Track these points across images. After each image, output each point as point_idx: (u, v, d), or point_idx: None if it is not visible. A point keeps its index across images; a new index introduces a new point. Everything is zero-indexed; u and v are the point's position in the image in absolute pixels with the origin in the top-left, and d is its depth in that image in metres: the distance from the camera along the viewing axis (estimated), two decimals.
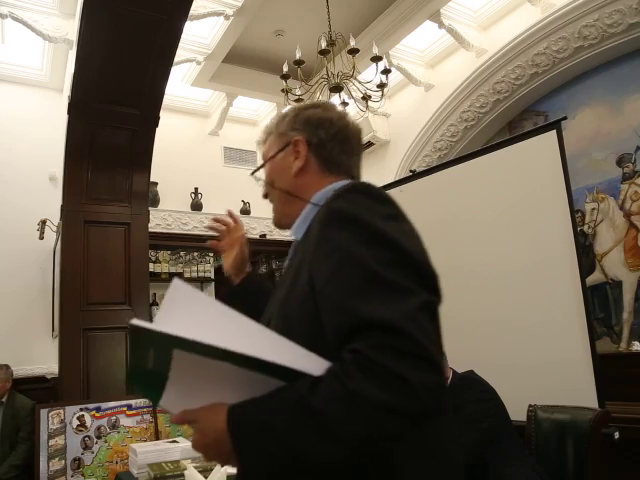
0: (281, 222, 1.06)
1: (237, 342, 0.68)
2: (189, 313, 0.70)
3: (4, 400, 3.63)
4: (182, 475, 2.02)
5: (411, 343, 0.66)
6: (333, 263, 0.74)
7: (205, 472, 1.94)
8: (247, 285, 1.38)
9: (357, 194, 0.80)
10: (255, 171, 1.09)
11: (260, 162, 1.11)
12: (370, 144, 5.72)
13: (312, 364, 0.71)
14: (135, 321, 0.70)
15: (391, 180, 4.56)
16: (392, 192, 3.95)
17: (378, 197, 0.81)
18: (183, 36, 3.50)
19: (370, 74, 3.98)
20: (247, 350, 0.68)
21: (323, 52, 3.67)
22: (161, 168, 4.68)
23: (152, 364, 0.75)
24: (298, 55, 3.68)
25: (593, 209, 4.40)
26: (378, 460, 0.74)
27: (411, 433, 0.70)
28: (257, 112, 6.05)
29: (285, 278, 0.92)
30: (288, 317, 0.81)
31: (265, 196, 1.09)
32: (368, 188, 0.82)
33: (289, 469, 0.70)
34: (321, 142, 1.00)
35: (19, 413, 3.51)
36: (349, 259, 0.73)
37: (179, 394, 0.78)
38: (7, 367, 3.76)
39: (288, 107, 1.12)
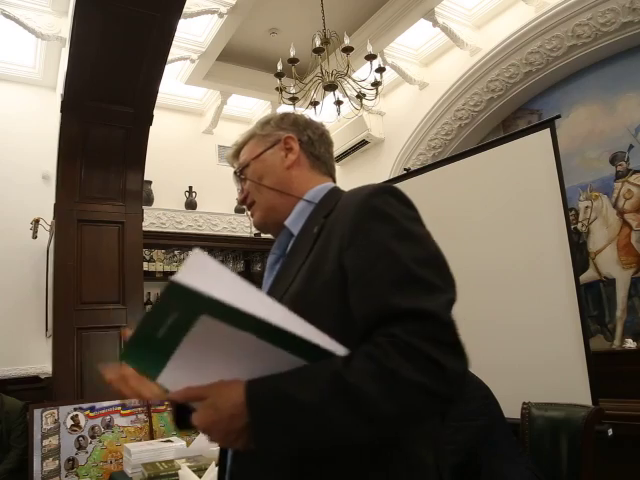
0: (268, 219, 1.05)
1: (263, 315, 0.67)
2: (211, 284, 0.65)
3: None
4: (176, 475, 2.02)
5: (447, 332, 0.72)
6: (372, 255, 0.79)
7: (199, 471, 1.94)
8: None
9: (390, 196, 0.86)
10: (242, 170, 1.08)
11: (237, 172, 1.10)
12: (364, 142, 5.72)
13: (334, 347, 0.72)
14: (180, 278, 0.65)
15: (385, 178, 4.56)
16: None
17: (407, 201, 0.88)
18: (177, 34, 3.48)
19: (364, 72, 3.98)
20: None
21: (317, 50, 3.67)
22: (155, 167, 4.67)
23: (165, 332, 0.70)
24: (292, 53, 3.68)
25: (587, 207, 4.41)
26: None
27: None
28: (251, 110, 6.04)
29: (289, 270, 0.92)
30: (310, 304, 0.81)
31: (243, 201, 1.08)
32: (399, 192, 0.88)
33: (308, 448, 0.70)
34: (310, 140, 1.07)
35: (9, 415, 3.46)
36: (388, 253, 0.78)
37: (184, 369, 0.74)
38: None
39: (267, 114, 1.15)
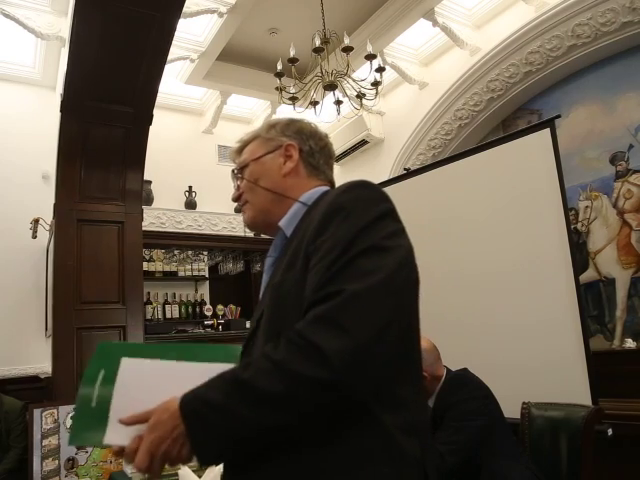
0: (258, 219, 1.08)
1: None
2: None
3: None
4: (176, 474, 2.02)
5: (328, 311, 0.74)
6: (325, 249, 0.82)
7: (199, 471, 1.94)
8: None
9: (361, 190, 0.88)
10: (241, 169, 1.10)
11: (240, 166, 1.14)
12: (364, 142, 5.72)
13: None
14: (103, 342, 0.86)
15: (385, 178, 4.56)
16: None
17: (380, 195, 0.89)
18: (176, 34, 3.48)
19: (364, 72, 3.97)
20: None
21: (317, 50, 3.66)
22: (155, 166, 4.67)
23: (97, 397, 0.84)
24: (292, 53, 3.67)
25: (587, 207, 4.41)
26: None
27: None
28: (251, 110, 6.04)
29: (279, 268, 0.96)
30: (283, 296, 0.88)
31: (237, 198, 1.11)
32: (371, 185, 0.90)
33: (232, 440, 0.76)
34: (311, 151, 1.09)
35: (8, 415, 3.44)
36: (337, 247, 0.80)
37: (122, 425, 0.82)
38: None
39: (277, 117, 1.17)
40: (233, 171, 1.12)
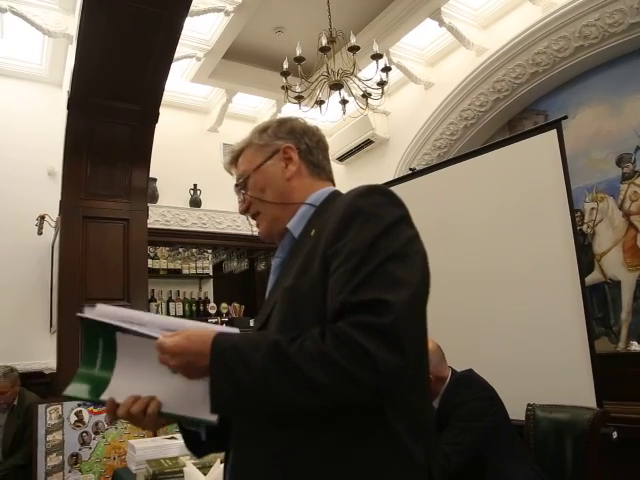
0: (273, 230, 1.07)
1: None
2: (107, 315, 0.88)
3: (16, 403, 3.53)
4: (180, 472, 2.02)
5: (387, 326, 0.74)
6: (347, 253, 0.82)
7: (204, 468, 1.94)
8: None
9: (378, 195, 0.88)
10: (244, 181, 1.08)
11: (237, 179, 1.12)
12: (369, 142, 5.72)
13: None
14: (82, 314, 0.87)
15: (390, 178, 4.56)
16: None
17: (395, 200, 0.90)
18: (183, 32, 3.49)
19: (370, 72, 3.97)
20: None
21: (323, 49, 3.66)
22: (160, 164, 4.67)
23: (102, 352, 0.89)
24: (298, 52, 3.67)
25: (592, 209, 4.40)
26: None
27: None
28: (257, 109, 6.04)
29: (288, 270, 0.96)
30: (297, 300, 0.88)
31: (245, 211, 1.09)
32: (387, 191, 0.90)
33: (247, 398, 0.78)
34: (308, 148, 1.08)
35: (29, 411, 3.34)
36: (362, 252, 0.81)
37: (127, 378, 0.88)
38: (12, 370, 3.58)
39: (262, 122, 1.15)
40: (237, 185, 1.10)
